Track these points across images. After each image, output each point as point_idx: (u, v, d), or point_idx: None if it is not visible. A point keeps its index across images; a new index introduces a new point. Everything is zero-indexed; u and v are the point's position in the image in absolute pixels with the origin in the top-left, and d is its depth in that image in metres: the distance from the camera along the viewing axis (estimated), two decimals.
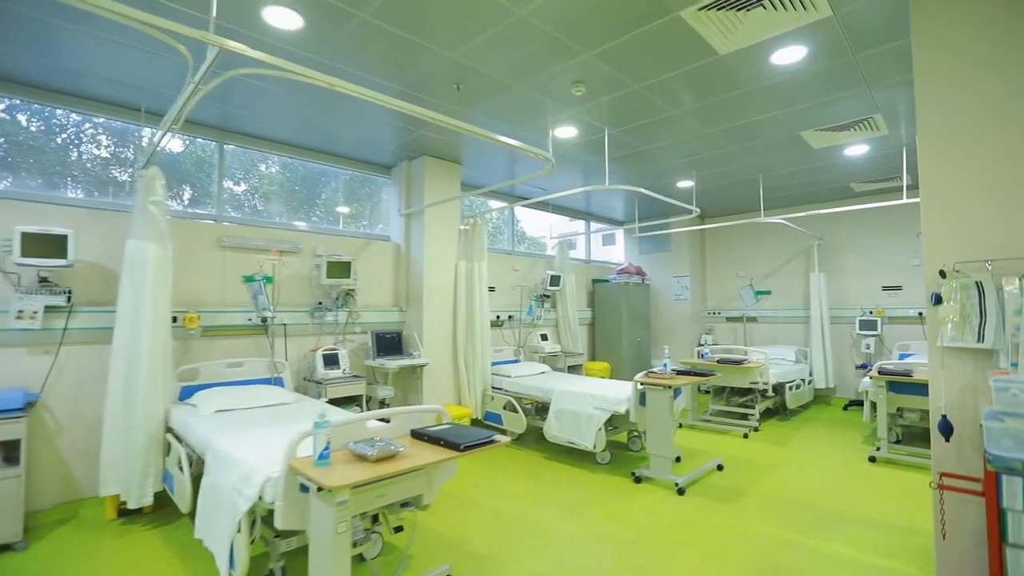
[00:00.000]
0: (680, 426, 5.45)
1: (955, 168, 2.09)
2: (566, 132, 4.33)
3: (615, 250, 9.12)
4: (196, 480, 2.61)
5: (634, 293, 7.24)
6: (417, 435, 2.30)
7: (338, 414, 2.93)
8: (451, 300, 5.13)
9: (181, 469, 2.82)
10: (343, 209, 5.23)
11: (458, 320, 5.09)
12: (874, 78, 3.33)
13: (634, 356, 7.09)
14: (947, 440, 2.01)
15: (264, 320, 4.08)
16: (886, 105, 3.75)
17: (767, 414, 5.96)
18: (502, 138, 2.98)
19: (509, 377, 5.08)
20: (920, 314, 6.10)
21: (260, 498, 2.05)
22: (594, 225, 8.01)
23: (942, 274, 2.09)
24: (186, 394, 3.52)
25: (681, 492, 3.51)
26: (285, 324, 4.28)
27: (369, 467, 1.90)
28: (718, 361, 5.54)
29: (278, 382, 4.00)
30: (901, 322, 6.26)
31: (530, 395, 4.81)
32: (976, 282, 1.99)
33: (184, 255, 3.79)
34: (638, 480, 3.76)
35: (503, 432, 4.82)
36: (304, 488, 1.99)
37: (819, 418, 5.89)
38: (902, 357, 5.71)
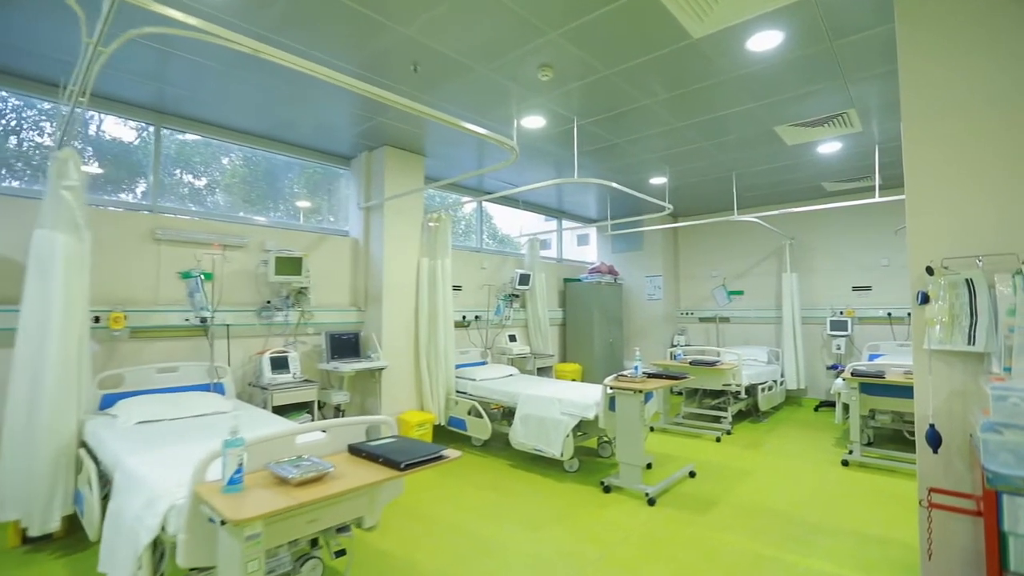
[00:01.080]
0: (652, 430, 5.28)
1: (942, 154, 1.93)
2: (534, 122, 4.10)
3: (589, 250, 8.95)
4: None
5: (606, 293, 7.07)
6: (355, 451, 2.03)
7: (260, 428, 2.63)
8: (413, 299, 4.84)
9: (92, 490, 2.48)
10: (303, 204, 4.89)
11: (420, 320, 4.80)
12: (850, 69, 3.20)
13: (606, 357, 6.91)
14: (935, 452, 1.85)
15: (203, 320, 3.73)
16: (860, 100, 3.64)
17: (739, 416, 5.85)
18: (463, 123, 2.73)
19: (474, 380, 4.82)
20: (889, 314, 6.09)
21: (164, 529, 1.75)
22: (566, 223, 7.82)
23: (929, 271, 1.93)
24: (108, 403, 3.15)
25: (651, 503, 3.32)
26: (228, 325, 3.93)
27: (289, 492, 1.63)
28: (691, 363, 5.39)
29: (218, 388, 3.65)
30: (871, 322, 6.25)
31: (496, 399, 4.56)
32: (966, 279, 1.83)
33: (111, 249, 3.43)
34: (607, 489, 3.56)
35: (467, 439, 4.59)
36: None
37: (791, 420, 5.81)
38: (872, 358, 5.66)
